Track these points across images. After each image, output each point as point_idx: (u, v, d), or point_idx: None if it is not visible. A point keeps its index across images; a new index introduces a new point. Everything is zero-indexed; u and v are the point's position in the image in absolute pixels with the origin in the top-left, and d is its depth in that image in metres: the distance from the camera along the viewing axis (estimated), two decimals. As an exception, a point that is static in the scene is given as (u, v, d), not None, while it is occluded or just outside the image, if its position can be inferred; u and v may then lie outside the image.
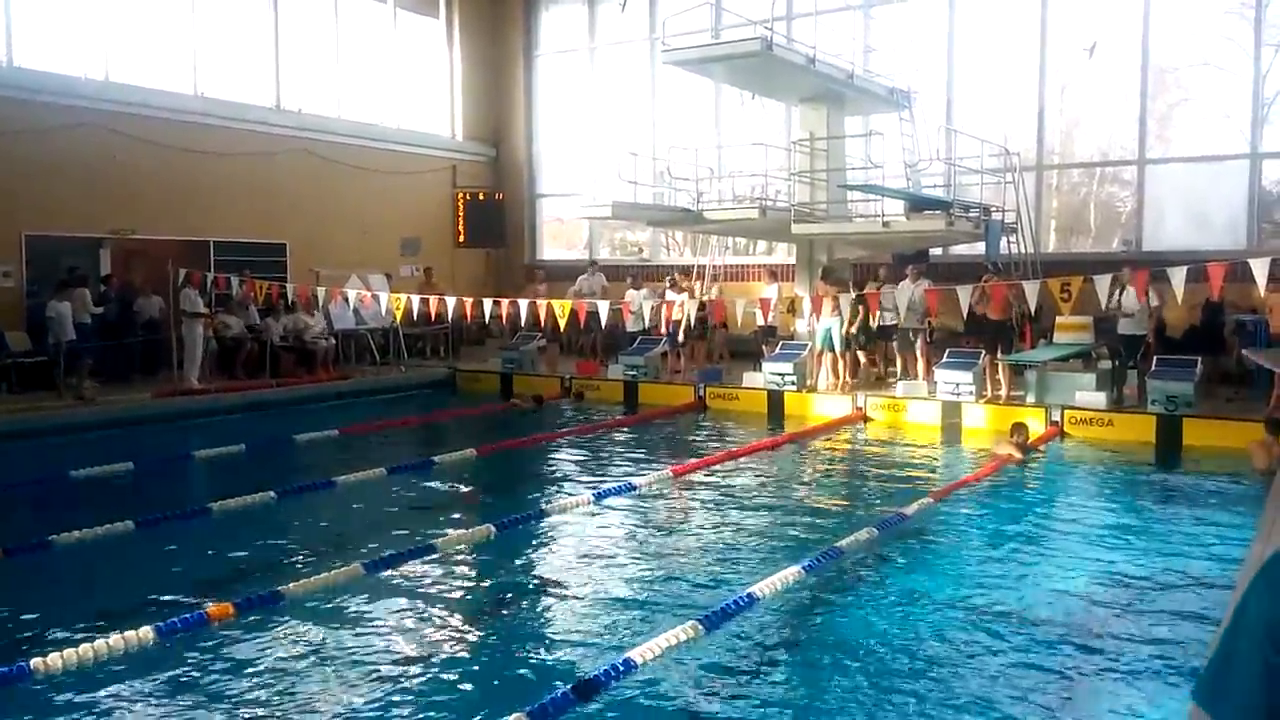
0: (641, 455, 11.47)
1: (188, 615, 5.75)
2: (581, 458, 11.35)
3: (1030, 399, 12.66)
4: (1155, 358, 12.53)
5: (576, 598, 6.61)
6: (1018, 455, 10.53)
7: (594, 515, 8.57)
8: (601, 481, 9.86)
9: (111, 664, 5.26)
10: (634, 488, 9.32)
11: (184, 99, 17.05)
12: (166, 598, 6.43)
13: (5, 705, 4.89)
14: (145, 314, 15.81)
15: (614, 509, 8.78)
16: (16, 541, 7.37)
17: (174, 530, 8.02)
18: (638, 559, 7.56)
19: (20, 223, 14.92)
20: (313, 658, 5.58)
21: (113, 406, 13.25)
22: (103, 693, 5.08)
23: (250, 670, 5.39)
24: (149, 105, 16.39)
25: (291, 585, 6.31)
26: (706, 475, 10.08)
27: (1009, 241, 14.67)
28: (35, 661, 5.03)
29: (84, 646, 5.21)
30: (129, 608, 6.19)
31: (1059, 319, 13.20)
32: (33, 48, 15.36)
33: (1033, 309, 13.09)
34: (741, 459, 10.91)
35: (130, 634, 5.37)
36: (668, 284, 17.43)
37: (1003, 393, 13.14)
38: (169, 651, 5.48)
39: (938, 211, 13.40)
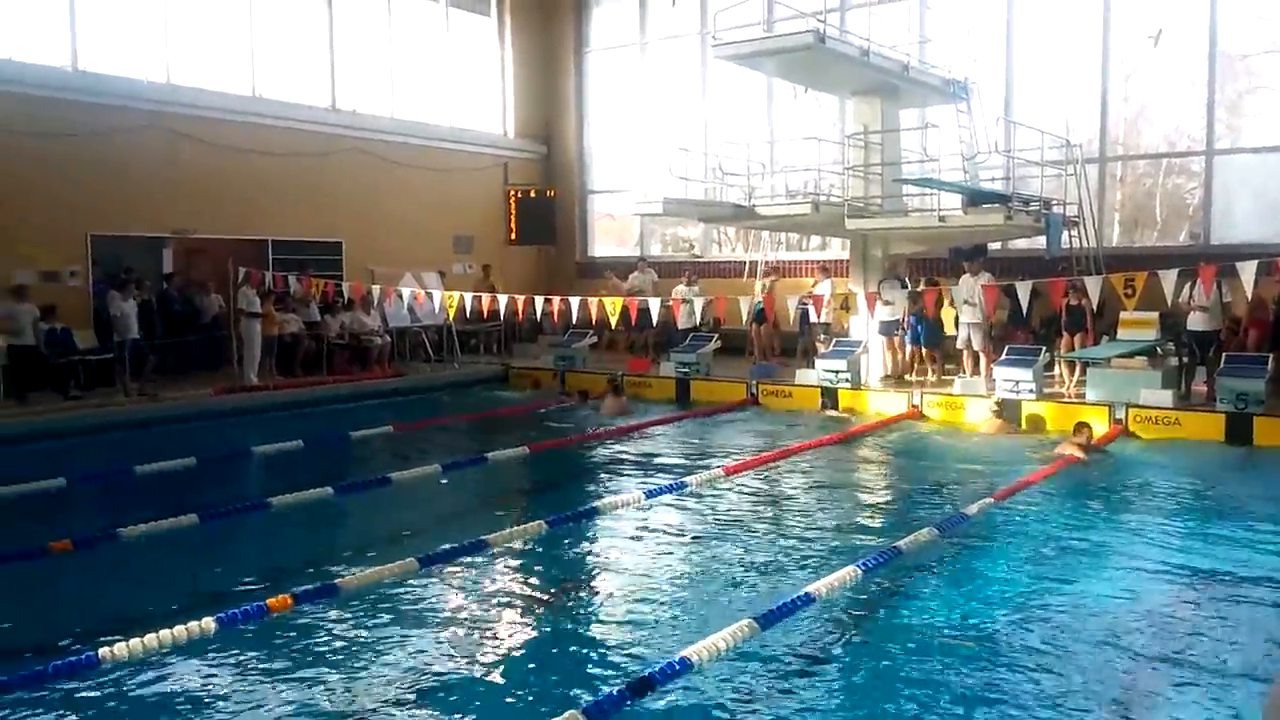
0: (693, 453, 11.42)
1: (248, 606, 5.81)
2: (633, 455, 11.31)
3: (1092, 397, 12.40)
4: (1225, 354, 12.21)
5: (629, 595, 6.59)
6: (1081, 455, 10.30)
7: (646, 513, 8.53)
8: (653, 479, 9.83)
9: (174, 653, 5.35)
10: (686, 485, 9.26)
11: (242, 100, 17.31)
12: (227, 589, 6.53)
13: (74, 692, 4.99)
14: (207, 312, 16.08)
15: (666, 507, 8.74)
16: (85, 535, 7.53)
17: (235, 524, 8.13)
18: (691, 557, 7.52)
19: (86, 223, 15.24)
20: (368, 650, 5.63)
21: (175, 403, 13.51)
22: (165, 681, 5.19)
23: (307, 661, 5.46)
24: (208, 106, 16.67)
25: (348, 578, 6.36)
26: (759, 473, 10.00)
27: (1070, 235, 14.36)
28: (103, 651, 5.11)
29: (149, 636, 5.28)
30: (191, 599, 6.30)
31: (1123, 315, 12.89)
32: (96, 52, 15.67)
33: (1095, 305, 12.83)
34: (795, 457, 10.79)
35: (193, 624, 5.44)
36: (685, 280, 17.43)
37: (1068, 390, 12.91)
38: (230, 641, 5.56)
39: (996, 205, 13.17)
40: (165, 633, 5.31)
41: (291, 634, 5.77)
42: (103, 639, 5.37)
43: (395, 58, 19.94)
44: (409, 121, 19.89)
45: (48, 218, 14.77)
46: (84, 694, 5.00)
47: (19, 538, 7.65)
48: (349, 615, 6.08)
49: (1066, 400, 12.67)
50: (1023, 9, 16.91)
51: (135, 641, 5.20)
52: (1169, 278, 10.54)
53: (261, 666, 5.38)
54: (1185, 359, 12.66)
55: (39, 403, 12.99)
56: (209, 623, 5.50)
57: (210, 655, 5.45)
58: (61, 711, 4.84)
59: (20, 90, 14.52)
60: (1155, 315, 12.75)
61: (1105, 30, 16.19)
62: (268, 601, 5.87)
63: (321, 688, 5.15)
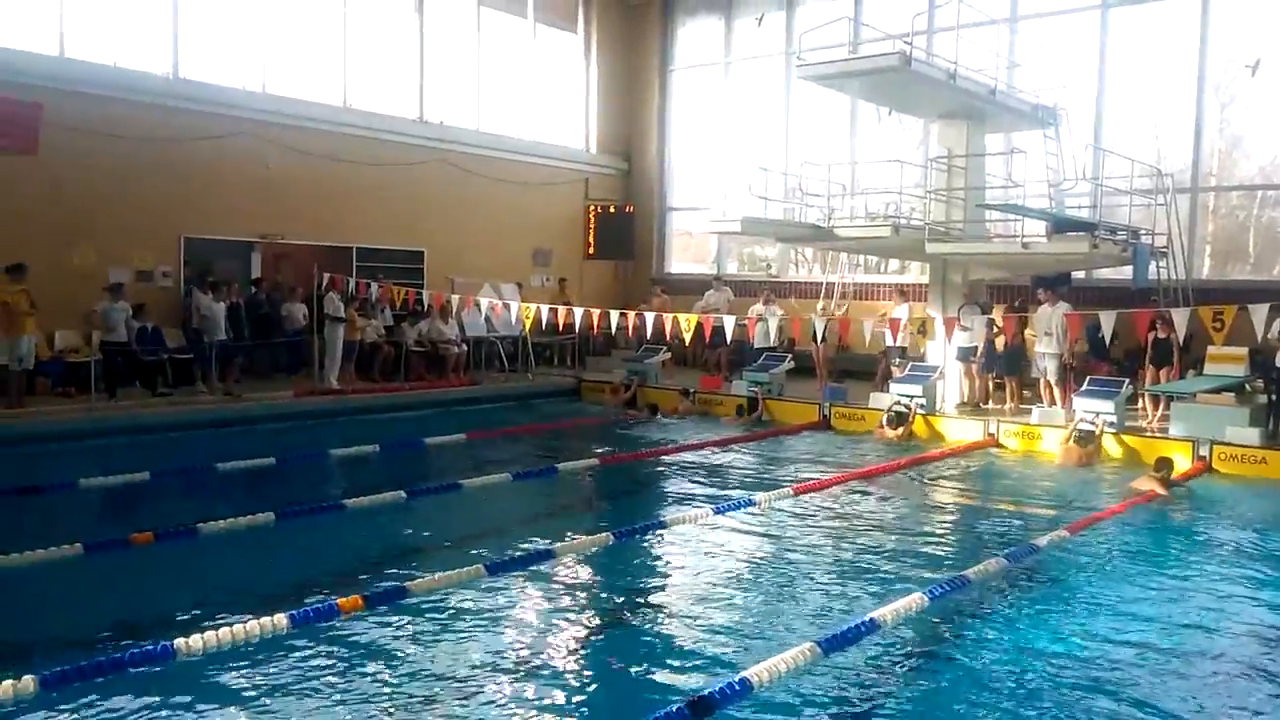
0: (763, 472, 11.37)
1: (319, 605, 5.95)
2: (702, 471, 11.30)
3: (1176, 431, 12.06)
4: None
5: (692, 612, 6.58)
6: (1161, 491, 10.02)
7: (713, 530, 8.53)
8: (721, 496, 9.81)
9: (247, 647, 5.50)
10: (754, 504, 9.24)
11: (333, 110, 17.78)
12: (301, 587, 6.68)
13: (150, 680, 5.15)
14: (292, 318, 16.49)
15: (733, 524, 8.72)
16: (166, 528, 7.78)
17: (310, 524, 8.34)
18: (756, 576, 7.49)
19: (179, 225, 15.80)
20: (433, 654, 5.71)
21: (257, 404, 13.88)
22: (237, 674, 5.31)
23: (374, 661, 5.55)
24: (301, 116, 17.16)
25: (417, 581, 6.48)
26: (829, 495, 9.92)
27: (1159, 266, 14.00)
28: (179, 641, 5.28)
29: (223, 630, 5.45)
30: (266, 595, 6.45)
31: (1210, 349, 12.52)
32: (197, 60, 16.25)
33: (1182, 338, 12.48)
34: (866, 480, 10.69)
35: (265, 620, 5.60)
36: (763, 300, 17.31)
37: (1151, 423, 12.60)
38: (301, 638, 5.69)
39: (1082, 234, 12.90)
40: (239, 627, 5.48)
41: (361, 634, 5.88)
42: (179, 630, 5.56)
43: (482, 72, 20.29)
44: (493, 135, 20.21)
45: (143, 219, 15.35)
46: (159, 683, 5.15)
47: (104, 528, 7.95)
48: (417, 618, 6.17)
49: (1149, 434, 12.35)
50: (1116, 35, 16.58)
51: (210, 634, 5.38)
52: (1259, 312, 10.21)
53: (330, 664, 5.49)
54: (1274, 397, 12.24)
55: (128, 398, 13.46)
56: (282, 619, 5.65)
57: (281, 651, 5.57)
58: (137, 699, 4.99)
59: (123, 95, 15.12)
60: (1244, 351, 12.36)
61: (1201, 58, 15.77)
62: (339, 601, 6.01)
63: (386, 689, 5.24)
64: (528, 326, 15.61)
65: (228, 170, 16.15)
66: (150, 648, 5.28)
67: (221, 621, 5.66)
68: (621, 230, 21.95)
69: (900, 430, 13.35)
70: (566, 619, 6.47)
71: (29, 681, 4.81)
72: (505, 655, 5.75)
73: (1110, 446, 12.15)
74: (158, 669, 5.22)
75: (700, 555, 7.92)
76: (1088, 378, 13.26)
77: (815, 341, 15.74)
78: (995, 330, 13.61)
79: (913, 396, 13.84)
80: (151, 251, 15.57)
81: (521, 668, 5.59)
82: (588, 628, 6.39)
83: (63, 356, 14.02)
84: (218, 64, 16.52)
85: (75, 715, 4.81)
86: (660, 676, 5.52)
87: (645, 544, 8.10)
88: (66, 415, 12.42)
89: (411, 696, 5.17)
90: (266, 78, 17.07)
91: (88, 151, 14.68)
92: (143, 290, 15.02)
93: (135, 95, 15.27)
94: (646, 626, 6.41)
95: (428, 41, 19.31)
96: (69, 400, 13.26)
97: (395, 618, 6.14)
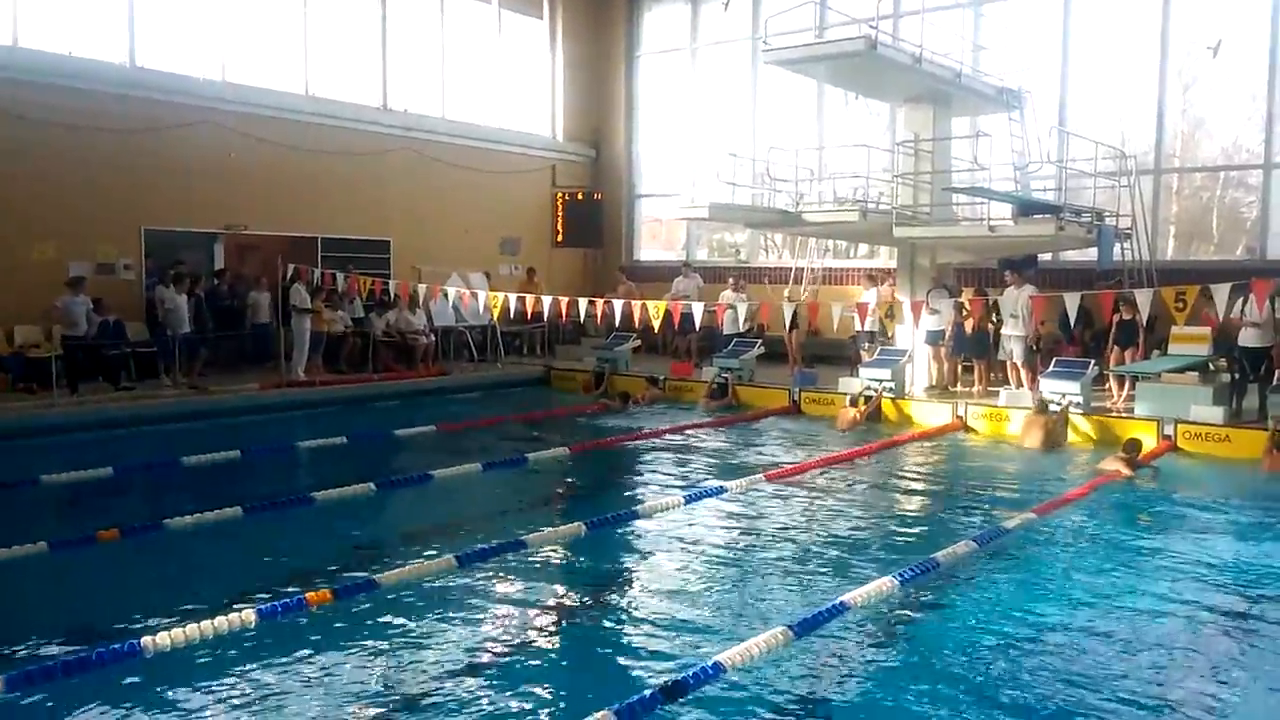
0: (734, 458, 11.39)
1: (288, 600, 5.89)
2: (673, 458, 11.30)
3: (1141, 411, 12.19)
4: (1278, 371, 11.97)
5: (665, 599, 6.58)
6: (1126, 471, 10.13)
7: (685, 517, 8.52)
8: (693, 483, 9.82)
9: (216, 644, 5.42)
10: (725, 490, 9.25)
11: (295, 99, 17.54)
12: (269, 582, 6.62)
13: (117, 680, 5.08)
14: (258, 308, 16.31)
15: (705, 511, 8.73)
16: (132, 524, 7.67)
17: (278, 517, 8.24)
18: (728, 563, 7.50)
19: (140, 217, 15.55)
20: (404, 646, 5.68)
21: (222, 397, 13.72)
22: (206, 671, 5.25)
23: (344, 655, 5.51)
24: (262, 105, 16.93)
25: (387, 574, 6.43)
26: (800, 480, 9.95)
27: (1123, 248, 14.13)
28: (145, 640, 5.21)
29: (190, 626, 5.38)
30: (234, 590, 6.39)
31: (1174, 330, 12.67)
32: (154, 49, 15.97)
33: (1145, 319, 12.61)
34: (836, 465, 10.73)
35: (234, 615, 5.54)
36: (732, 286, 17.22)
37: (1116, 404, 12.74)
38: (270, 633, 5.63)
39: (1047, 216, 13.00)
40: (207, 623, 5.41)
41: (330, 628, 5.84)
42: (146, 628, 5.48)
43: (447, 59, 20.11)
44: (459, 123, 20.05)
45: (103, 211, 15.11)
46: (126, 682, 5.09)
47: (68, 525, 7.84)
48: (387, 611, 6.13)
49: (1115, 414, 12.48)
50: (1079, 18, 16.69)
51: (178, 631, 5.30)
52: (1221, 292, 10.33)
53: (299, 659, 5.45)
54: (1236, 375, 12.41)
55: (90, 393, 13.26)
56: (250, 614, 5.59)
57: (250, 647, 5.52)
58: (104, 699, 4.93)
59: (79, 86, 14.81)
60: (1207, 330, 12.51)
61: (1163, 40, 15.92)
62: (307, 595, 5.95)
63: (356, 683, 5.21)
64: (496, 315, 15.54)
65: (189, 160, 15.90)
66: (117, 646, 5.20)
67: (189, 618, 5.59)
68: (590, 218, 21.87)
69: (863, 408, 13.40)
70: (539, 608, 6.46)
71: (-6, 682, 4.73)
72: (478, 645, 5.73)
73: (1077, 427, 12.26)
74: (125, 667, 5.14)
75: (672, 542, 7.92)
76: (1054, 359, 13.38)
77: (786, 327, 15.76)
78: (963, 313, 13.70)
79: (881, 380, 13.90)
80: (112, 244, 15.33)
81: (494, 657, 5.58)
82: (560, 616, 6.39)
83: (23, 352, 13.78)
84: (176, 52, 16.24)
85: (43, 716, 4.73)
86: (634, 661, 5.53)
87: (617, 532, 8.08)
88: (28, 411, 12.23)
89: (384, 688, 5.14)
90: (226, 66, 16.81)
91: (44, 142, 14.41)
92: (104, 283, 14.78)
93: (92, 84, 14.97)
94: (620, 613, 6.40)
95: (390, 28, 19.08)
96: (30, 396, 13.04)
97: (365, 611, 6.09)
